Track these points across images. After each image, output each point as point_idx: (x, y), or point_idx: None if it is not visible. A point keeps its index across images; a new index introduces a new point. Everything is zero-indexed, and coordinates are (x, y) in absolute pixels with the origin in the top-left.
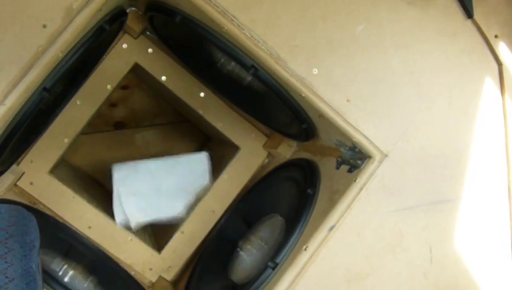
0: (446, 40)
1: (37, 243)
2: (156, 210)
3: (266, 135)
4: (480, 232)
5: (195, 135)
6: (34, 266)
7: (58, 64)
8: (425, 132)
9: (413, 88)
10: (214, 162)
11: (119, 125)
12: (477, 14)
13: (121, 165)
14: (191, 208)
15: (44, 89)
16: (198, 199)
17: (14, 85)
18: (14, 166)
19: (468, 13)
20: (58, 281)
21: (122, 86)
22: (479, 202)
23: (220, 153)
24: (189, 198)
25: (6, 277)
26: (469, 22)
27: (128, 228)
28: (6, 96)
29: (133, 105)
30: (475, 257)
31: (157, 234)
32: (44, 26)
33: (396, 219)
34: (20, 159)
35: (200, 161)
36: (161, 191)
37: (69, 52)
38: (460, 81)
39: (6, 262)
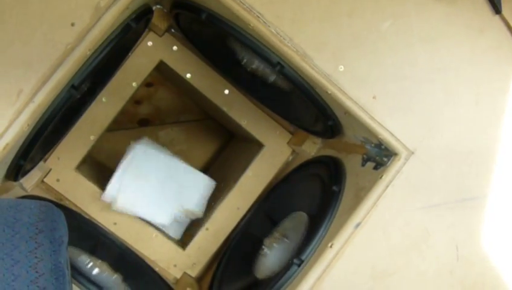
0: (473, 36)
1: (66, 239)
2: (142, 209)
3: (290, 132)
4: (507, 230)
5: (219, 132)
6: (62, 261)
7: (86, 62)
8: (452, 128)
9: (440, 84)
10: (237, 160)
11: (143, 123)
12: (505, 10)
13: (144, 146)
14: (174, 221)
15: (73, 86)
16: (186, 218)
17: (44, 82)
18: (41, 163)
19: (496, 9)
20: (85, 276)
21: (147, 84)
22: (506, 199)
23: (244, 150)
24: (177, 213)
25: (37, 272)
26: (497, 17)
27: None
28: (35, 93)
29: (158, 102)
30: (502, 255)
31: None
32: (72, 24)
33: (423, 216)
34: (47, 156)
35: (205, 184)
36: (160, 191)
37: (96, 49)
38: (488, 78)
39: (36, 257)
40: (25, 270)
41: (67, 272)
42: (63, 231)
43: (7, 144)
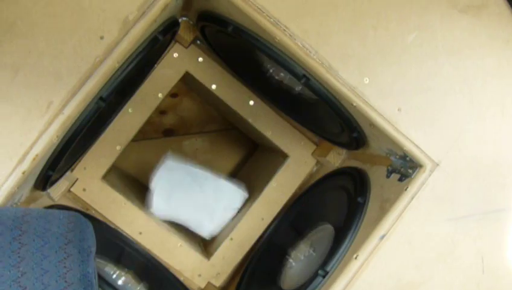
0: (499, 47)
1: (94, 249)
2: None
3: (315, 143)
4: None
5: (244, 143)
6: (91, 271)
7: (114, 74)
8: (478, 140)
9: (465, 96)
10: (262, 170)
11: (168, 133)
12: None
13: (174, 157)
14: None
15: (101, 98)
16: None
17: (73, 95)
18: (68, 173)
19: None
20: (111, 286)
21: (172, 94)
22: None
23: (269, 161)
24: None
25: (66, 281)
26: None
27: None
28: (65, 105)
29: (182, 113)
30: None
31: (206, 240)
32: (101, 37)
33: (448, 228)
34: (74, 165)
35: (237, 195)
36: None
37: (124, 62)
38: None
39: (65, 267)
40: (55, 280)
41: (95, 282)
42: (91, 241)
43: (36, 155)
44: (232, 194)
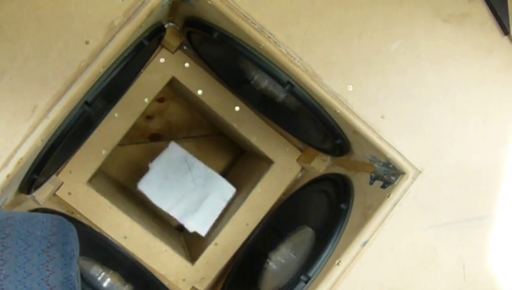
0: (482, 57)
1: (77, 252)
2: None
3: (300, 149)
4: None
5: (230, 148)
6: (73, 275)
7: (99, 79)
8: (460, 148)
9: (448, 104)
10: (247, 176)
11: (155, 137)
12: None
13: (177, 147)
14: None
15: (86, 102)
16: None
17: (58, 99)
18: (53, 176)
19: (505, 30)
20: (97, 288)
21: (158, 99)
22: None
23: (254, 167)
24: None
25: (48, 284)
26: (505, 38)
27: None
28: (50, 109)
29: (169, 117)
30: (509, 275)
31: (190, 245)
32: (87, 42)
33: (430, 235)
34: (59, 169)
35: (227, 190)
36: (187, 191)
37: (109, 67)
38: (496, 98)
39: (48, 270)
40: (37, 283)
41: (78, 285)
42: (74, 245)
43: (21, 159)
44: (222, 187)
